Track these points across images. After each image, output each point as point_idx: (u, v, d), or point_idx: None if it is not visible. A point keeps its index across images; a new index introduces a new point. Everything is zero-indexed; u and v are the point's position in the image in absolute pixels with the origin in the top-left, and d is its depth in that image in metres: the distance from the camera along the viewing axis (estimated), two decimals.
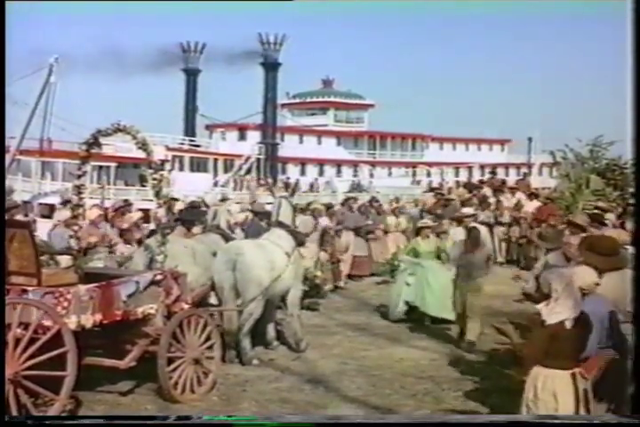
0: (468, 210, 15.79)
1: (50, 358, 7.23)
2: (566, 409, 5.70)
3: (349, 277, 17.44)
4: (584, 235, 9.28)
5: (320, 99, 59.94)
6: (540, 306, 5.89)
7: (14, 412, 6.90)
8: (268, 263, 10.16)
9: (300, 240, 10.98)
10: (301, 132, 56.96)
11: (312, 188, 50.32)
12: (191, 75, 54.89)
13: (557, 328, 5.74)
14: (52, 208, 16.83)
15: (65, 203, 14.94)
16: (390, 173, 58.18)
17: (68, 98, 47.77)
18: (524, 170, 55.68)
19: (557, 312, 5.75)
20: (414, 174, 58.61)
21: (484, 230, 13.81)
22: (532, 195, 22.35)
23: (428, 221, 14.45)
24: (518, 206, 21.36)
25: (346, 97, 60.24)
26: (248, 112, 54.43)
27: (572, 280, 5.96)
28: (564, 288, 5.82)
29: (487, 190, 25.16)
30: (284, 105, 59.24)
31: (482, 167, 55.67)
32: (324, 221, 16.08)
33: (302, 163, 55.21)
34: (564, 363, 5.79)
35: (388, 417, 5.95)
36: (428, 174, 58.14)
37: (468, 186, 30.53)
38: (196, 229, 12.00)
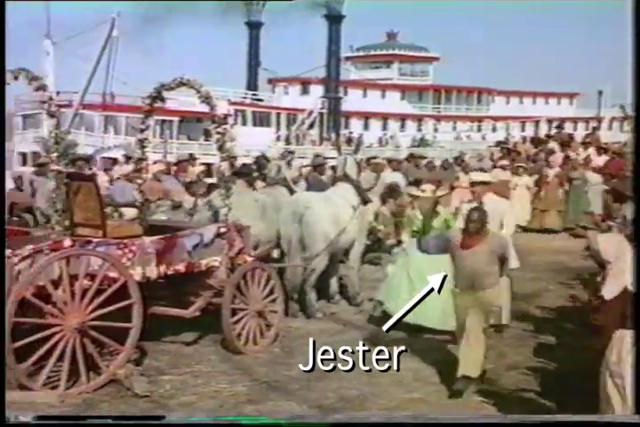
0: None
1: (114, 309, 7.33)
2: None
3: None
4: None
5: (384, 51, 59.11)
6: (599, 279, 5.70)
7: (81, 361, 7.05)
8: (334, 217, 10.15)
9: (364, 195, 10.94)
10: (365, 85, 56.37)
11: (380, 142, 50.03)
12: (254, 28, 54.52)
13: (625, 293, 5.54)
14: (114, 162, 16.96)
15: (128, 158, 15.07)
16: (455, 128, 57.42)
17: (131, 52, 48.08)
18: (593, 124, 54.40)
19: (611, 289, 5.53)
20: (479, 129, 57.76)
21: (504, 206, 9.37)
22: (602, 149, 21.79)
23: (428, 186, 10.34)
24: (587, 161, 20.84)
25: (410, 50, 59.32)
26: (311, 66, 54.09)
27: (625, 251, 5.63)
28: (616, 261, 5.57)
29: (554, 145, 24.60)
30: (347, 58, 58.62)
31: (549, 121, 54.53)
32: (390, 177, 15.91)
33: (365, 117, 54.76)
34: None
35: (404, 417, 5.95)
36: (494, 129, 57.25)
37: (535, 140, 29.91)
38: (257, 184, 12.00)
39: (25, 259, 6.98)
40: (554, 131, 43.05)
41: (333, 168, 14.20)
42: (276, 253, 10.64)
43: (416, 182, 13.63)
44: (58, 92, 8.18)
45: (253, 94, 49.54)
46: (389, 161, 17.93)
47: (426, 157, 20.88)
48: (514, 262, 9.29)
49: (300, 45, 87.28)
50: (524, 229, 17.74)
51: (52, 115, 7.60)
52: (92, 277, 7.22)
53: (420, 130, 55.83)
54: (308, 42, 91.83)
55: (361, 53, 60.25)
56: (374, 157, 18.39)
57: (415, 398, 7.17)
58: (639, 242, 6.65)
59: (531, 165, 19.97)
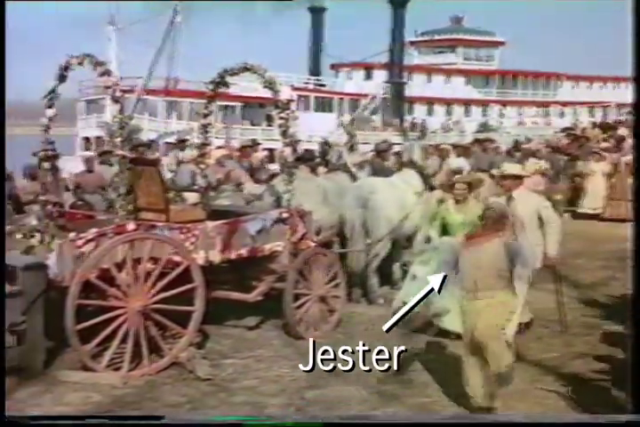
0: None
1: (177, 293, 7.38)
2: None
3: None
4: None
5: (449, 36, 58.31)
6: None
7: (143, 344, 7.12)
8: (398, 202, 10.08)
9: (429, 181, 10.85)
10: (429, 70, 55.72)
11: (444, 128, 49.53)
12: (317, 13, 54.32)
13: None
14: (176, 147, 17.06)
15: (181, 142, 15.12)
16: (521, 113, 56.52)
17: (194, 38, 48.43)
18: None
19: None
20: (546, 114, 56.76)
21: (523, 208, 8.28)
22: None
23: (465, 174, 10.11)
24: None
25: (475, 34, 58.35)
26: (375, 51, 53.65)
27: None
28: None
29: (624, 131, 24.01)
30: (411, 43, 57.96)
31: (619, 107, 53.27)
32: (456, 162, 15.71)
33: (430, 102, 54.21)
34: None
35: (403, 417, 5.86)
36: (561, 114, 56.21)
37: (604, 126, 29.27)
38: (319, 169, 11.98)
39: (89, 242, 7.06)
40: (624, 117, 42.05)
41: (396, 154, 14.11)
42: (338, 239, 10.60)
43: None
44: (121, 78, 8.27)
45: (316, 80, 49.43)
46: (454, 146, 17.73)
47: (494, 141, 20.48)
48: (535, 263, 8.03)
49: (363, 30, 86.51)
50: (595, 218, 17.42)
51: (116, 100, 7.64)
52: (155, 260, 7.27)
53: (485, 115, 55.06)
54: (372, 27, 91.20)
55: (425, 38, 59.52)
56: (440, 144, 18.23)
57: None
58: (639, 241, 6.43)
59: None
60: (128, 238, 7.14)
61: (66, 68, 7.95)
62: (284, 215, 8.58)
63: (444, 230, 8.71)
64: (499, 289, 6.29)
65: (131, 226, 7.33)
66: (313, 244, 8.81)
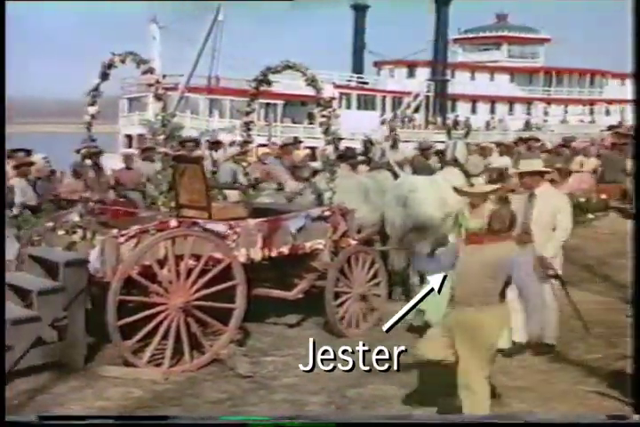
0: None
1: (218, 290, 7.39)
2: None
3: None
4: None
5: (493, 33, 57.84)
6: None
7: (185, 340, 7.14)
8: (439, 201, 9.97)
9: (472, 180, 10.74)
10: (473, 68, 55.31)
11: (488, 126, 49.14)
12: (359, 10, 54.17)
13: None
14: (219, 145, 17.10)
15: (215, 143, 15.15)
16: (566, 111, 55.85)
17: (236, 36, 48.54)
18: None
19: None
20: (592, 112, 56.04)
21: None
22: None
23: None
24: None
25: (520, 31, 57.79)
26: (418, 48, 53.44)
27: None
28: None
29: None
30: (455, 40, 57.62)
31: None
32: (499, 161, 15.55)
33: (473, 100, 53.80)
34: None
35: (403, 417, 5.78)
36: (607, 112, 55.44)
37: None
38: (360, 168, 11.94)
39: (131, 238, 7.10)
40: None
41: (438, 152, 14.01)
42: (379, 237, 10.55)
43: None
44: (164, 76, 8.34)
45: (359, 77, 49.36)
46: (497, 145, 17.57)
47: (538, 140, 20.24)
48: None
49: (406, 28, 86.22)
50: None
51: (158, 98, 7.68)
52: (197, 257, 7.29)
53: (529, 113, 54.52)
54: (416, 24, 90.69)
55: (469, 35, 59.11)
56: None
57: (520, 387, 6.98)
58: (638, 240, 6.27)
59: None
60: (170, 235, 7.16)
61: (109, 66, 8.01)
62: (326, 213, 8.56)
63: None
64: (491, 301, 5.63)
65: (173, 223, 7.35)
66: (354, 242, 8.78)
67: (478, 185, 8.40)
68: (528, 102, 55.35)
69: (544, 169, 8.20)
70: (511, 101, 54.97)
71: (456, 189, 6.54)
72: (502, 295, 5.67)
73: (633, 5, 6.36)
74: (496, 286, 5.62)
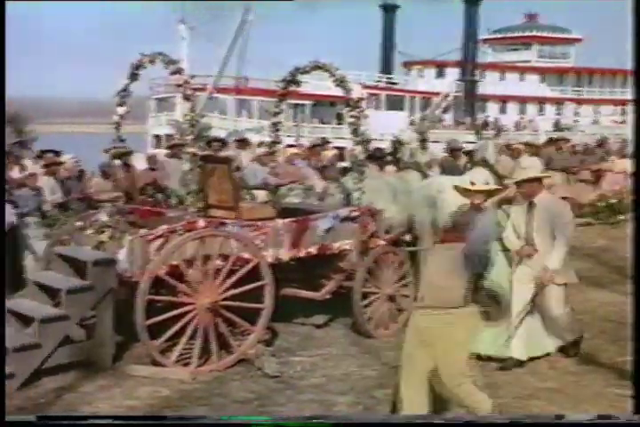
0: None
1: (246, 290, 7.39)
2: None
3: None
4: None
5: (523, 33, 57.45)
6: None
7: (212, 340, 7.15)
8: (468, 201, 9.89)
9: (501, 181, 10.66)
10: (503, 68, 55.01)
11: (517, 126, 48.81)
12: (389, 11, 54.04)
13: None
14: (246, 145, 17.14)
15: (241, 141, 15.14)
16: (598, 112, 55.32)
17: (265, 36, 48.67)
18: None
19: None
20: (623, 113, 55.47)
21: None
22: None
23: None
24: None
25: (550, 31, 57.36)
26: (447, 48, 53.30)
27: None
28: None
29: None
30: (485, 40, 57.34)
31: None
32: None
33: (503, 101, 53.50)
34: None
35: (403, 417, 5.69)
36: None
37: None
38: (388, 168, 11.88)
39: (159, 238, 7.12)
40: None
41: (467, 153, 13.93)
42: (408, 238, 10.49)
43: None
44: (192, 76, 8.40)
45: (388, 78, 49.26)
46: (527, 145, 17.42)
47: (568, 140, 20.03)
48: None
49: (436, 28, 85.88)
50: None
51: (187, 98, 7.70)
52: (225, 257, 7.29)
53: (559, 114, 54.09)
54: (445, 24, 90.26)
55: (499, 35, 58.74)
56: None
57: (549, 388, 6.91)
58: (638, 239, 6.17)
59: None
60: (198, 235, 7.17)
61: (138, 66, 8.06)
62: (354, 213, 8.53)
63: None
64: (449, 306, 5.31)
65: (201, 223, 7.36)
66: (383, 242, 8.73)
67: (479, 184, 8.18)
68: (558, 103, 54.92)
69: (540, 175, 8.06)
70: (541, 102, 54.57)
71: (456, 188, 6.51)
72: (470, 298, 5.38)
73: (633, 5, 6.28)
74: (461, 283, 5.38)
